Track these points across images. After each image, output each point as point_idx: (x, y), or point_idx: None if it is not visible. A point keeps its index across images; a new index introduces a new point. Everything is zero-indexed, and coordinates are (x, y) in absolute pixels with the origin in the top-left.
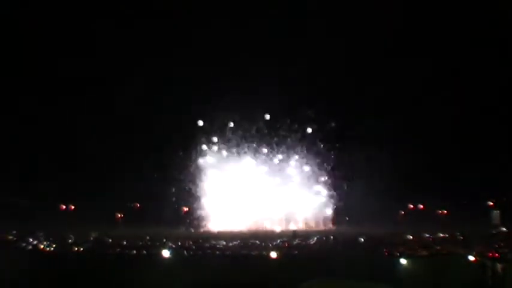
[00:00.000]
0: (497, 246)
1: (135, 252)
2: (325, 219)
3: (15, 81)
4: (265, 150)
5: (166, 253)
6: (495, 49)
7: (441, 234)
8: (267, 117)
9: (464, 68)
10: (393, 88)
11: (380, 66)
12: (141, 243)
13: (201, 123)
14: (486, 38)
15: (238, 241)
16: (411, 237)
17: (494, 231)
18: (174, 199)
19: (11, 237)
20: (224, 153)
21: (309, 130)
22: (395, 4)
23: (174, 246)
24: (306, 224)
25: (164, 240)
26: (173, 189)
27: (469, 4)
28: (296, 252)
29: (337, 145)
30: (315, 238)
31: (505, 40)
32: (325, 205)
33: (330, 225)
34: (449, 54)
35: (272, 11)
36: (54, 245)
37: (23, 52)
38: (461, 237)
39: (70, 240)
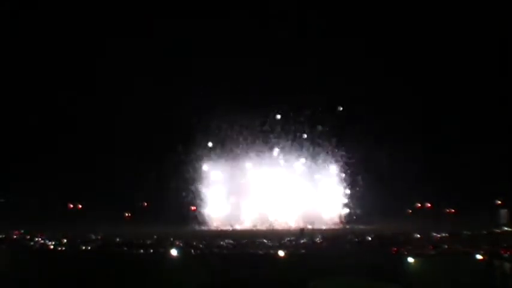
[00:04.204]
0: (505, 245)
1: (142, 251)
2: (332, 218)
3: (24, 83)
4: (272, 149)
5: (174, 252)
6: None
7: (449, 233)
8: (274, 116)
9: (474, 69)
10: (400, 89)
11: (389, 65)
12: (148, 242)
13: (208, 123)
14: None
15: (246, 240)
16: (419, 236)
17: (502, 230)
18: (181, 198)
19: (20, 236)
20: (231, 152)
21: (316, 129)
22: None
23: (181, 245)
24: (313, 222)
25: (172, 239)
26: (181, 188)
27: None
28: (304, 251)
29: (345, 144)
30: (323, 237)
31: None
32: (333, 204)
33: (338, 224)
34: (459, 55)
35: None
36: (62, 244)
37: (26, 54)
38: (469, 236)
39: (78, 239)
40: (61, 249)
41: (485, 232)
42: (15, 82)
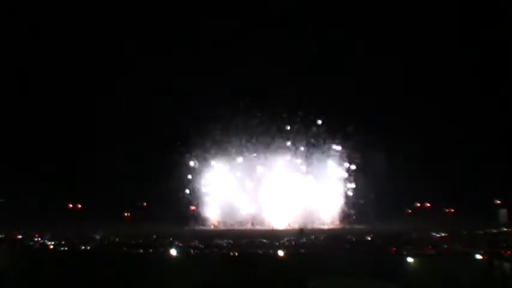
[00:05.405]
0: (504, 245)
1: (142, 251)
2: (332, 217)
3: (24, 83)
4: (271, 149)
5: (173, 252)
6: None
7: (448, 233)
8: (273, 116)
9: (474, 68)
10: (398, 88)
11: (390, 65)
12: (148, 242)
13: (207, 123)
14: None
15: (245, 240)
16: (419, 236)
17: (501, 230)
18: (181, 198)
19: (20, 236)
20: (231, 153)
21: (315, 130)
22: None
23: (181, 244)
24: (313, 222)
25: (171, 239)
26: (180, 188)
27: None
28: (303, 250)
29: (344, 144)
30: (322, 237)
31: None
32: (333, 204)
33: (337, 224)
34: (459, 54)
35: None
36: (62, 244)
37: (25, 54)
38: (469, 236)
39: (78, 239)
40: (61, 249)
41: (484, 232)
42: (14, 82)
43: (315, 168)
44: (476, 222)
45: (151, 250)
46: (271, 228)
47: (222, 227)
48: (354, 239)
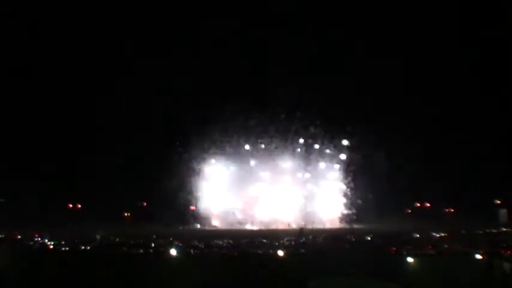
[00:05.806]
0: (504, 245)
1: (142, 251)
2: (332, 217)
3: (23, 84)
4: (271, 149)
5: (173, 252)
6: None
7: (448, 233)
8: (273, 117)
9: (474, 69)
10: (398, 88)
11: (390, 65)
12: (148, 242)
13: (207, 123)
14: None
15: (245, 240)
16: (419, 236)
17: (501, 230)
18: (181, 198)
19: (19, 236)
20: (231, 153)
21: (315, 130)
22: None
23: (181, 244)
24: (313, 222)
25: (171, 239)
26: (180, 189)
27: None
28: (303, 250)
29: (345, 144)
30: (322, 237)
31: None
32: (333, 204)
33: (337, 224)
34: (459, 55)
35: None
36: (62, 244)
37: (25, 55)
38: (469, 236)
39: (78, 239)
40: (61, 249)
41: (484, 232)
42: (14, 82)
43: (315, 168)
44: (476, 222)
45: (151, 250)
46: (271, 228)
47: (222, 227)
48: (353, 239)
